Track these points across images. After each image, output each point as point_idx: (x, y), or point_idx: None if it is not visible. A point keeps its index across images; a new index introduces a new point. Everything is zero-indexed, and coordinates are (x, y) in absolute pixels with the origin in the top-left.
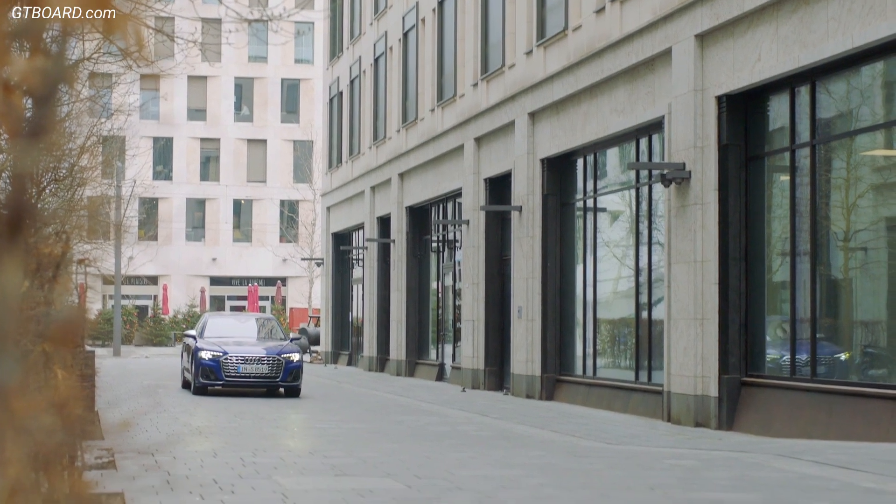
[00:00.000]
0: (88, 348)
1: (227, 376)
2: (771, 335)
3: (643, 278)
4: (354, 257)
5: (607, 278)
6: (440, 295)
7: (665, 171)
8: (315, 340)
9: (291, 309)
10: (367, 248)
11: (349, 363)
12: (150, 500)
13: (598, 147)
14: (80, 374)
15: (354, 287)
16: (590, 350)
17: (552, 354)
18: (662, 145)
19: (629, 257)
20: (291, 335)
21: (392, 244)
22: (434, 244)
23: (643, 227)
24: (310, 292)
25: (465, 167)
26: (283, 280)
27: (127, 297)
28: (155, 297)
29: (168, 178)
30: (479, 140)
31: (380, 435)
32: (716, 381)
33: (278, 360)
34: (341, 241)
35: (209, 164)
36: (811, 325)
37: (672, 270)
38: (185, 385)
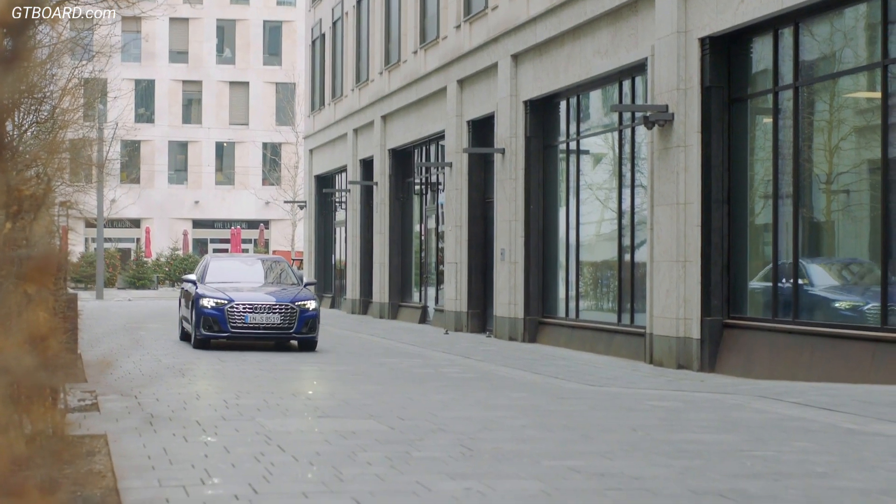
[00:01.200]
0: (71, 291)
1: (232, 328)
2: (753, 277)
3: (626, 221)
4: (337, 200)
5: (590, 221)
6: (423, 237)
7: (648, 114)
8: None
9: (274, 251)
10: (349, 190)
11: (332, 306)
12: (132, 441)
13: (581, 89)
14: (62, 315)
15: (337, 230)
16: (572, 292)
17: (535, 297)
18: (645, 87)
19: (612, 200)
20: (306, 279)
21: (375, 187)
22: (417, 187)
23: (626, 169)
24: (293, 235)
25: (447, 109)
26: (266, 223)
27: (109, 239)
28: (138, 239)
29: (150, 120)
30: (461, 82)
31: (363, 377)
32: (698, 323)
33: (291, 308)
34: (324, 183)
35: (191, 107)
36: (793, 266)
37: (655, 213)
38: (185, 337)
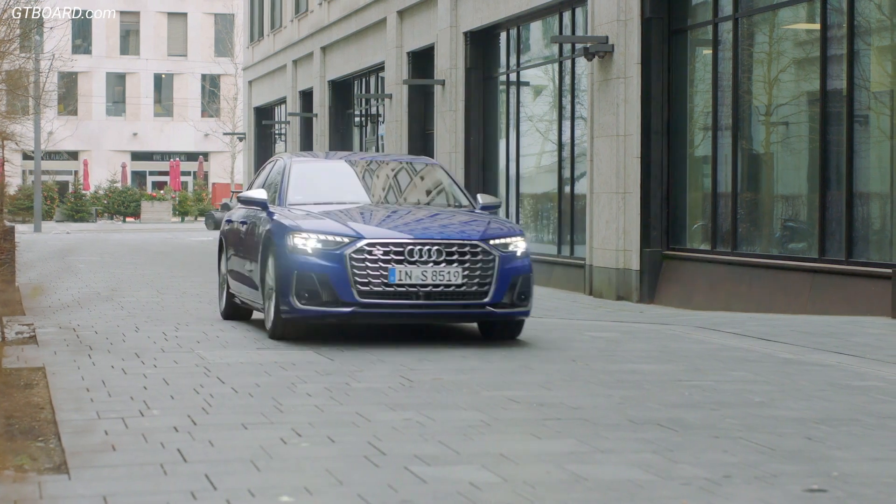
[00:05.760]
0: (8, 223)
1: (362, 295)
2: (692, 209)
3: (566, 153)
4: (277, 132)
5: (530, 153)
6: None
7: (588, 45)
8: None
9: (214, 184)
10: (289, 122)
11: None
12: (70, 374)
13: (521, 20)
14: None
15: None
16: None
17: None
18: (586, 19)
19: (552, 132)
20: (482, 200)
21: (315, 118)
22: (357, 118)
23: (566, 101)
24: (232, 167)
25: (387, 41)
26: (206, 155)
27: (47, 172)
28: (76, 172)
29: (87, 52)
30: (401, 13)
31: None
32: (637, 255)
33: (483, 251)
34: (263, 115)
35: (129, 38)
36: (732, 198)
37: (595, 145)
38: (238, 312)
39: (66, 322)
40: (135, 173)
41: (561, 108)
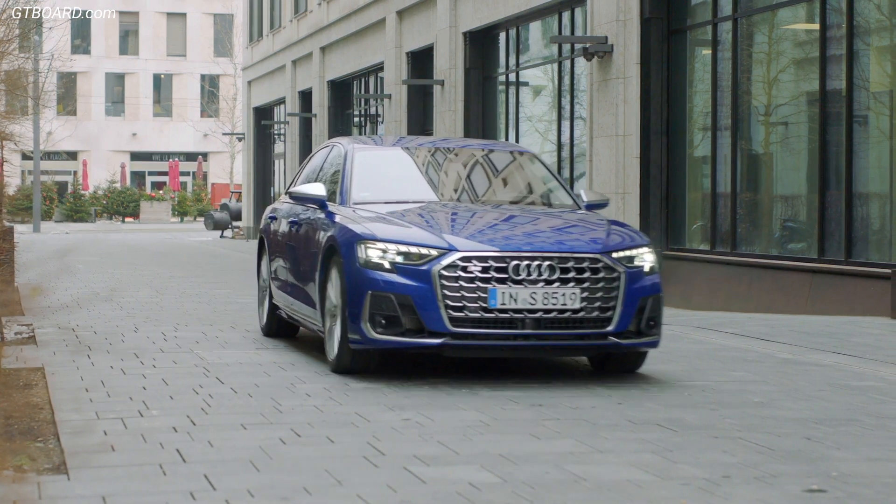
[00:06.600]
0: (7, 223)
1: (455, 322)
2: (692, 209)
3: (565, 153)
4: (276, 132)
5: None
6: None
7: (587, 45)
8: (237, 216)
9: (213, 184)
10: (288, 122)
11: None
12: (69, 374)
13: (520, 21)
14: None
15: (276, 162)
16: None
17: None
18: (585, 19)
19: (551, 132)
20: (586, 197)
21: (314, 119)
22: (356, 119)
23: (565, 101)
24: (231, 168)
25: (386, 41)
26: (205, 155)
27: (46, 172)
28: (75, 172)
29: (87, 52)
30: (401, 13)
31: None
32: None
33: (605, 267)
34: (263, 115)
35: (128, 38)
36: (731, 199)
37: (594, 145)
38: (284, 327)
39: (66, 322)
40: (134, 173)
41: (560, 108)
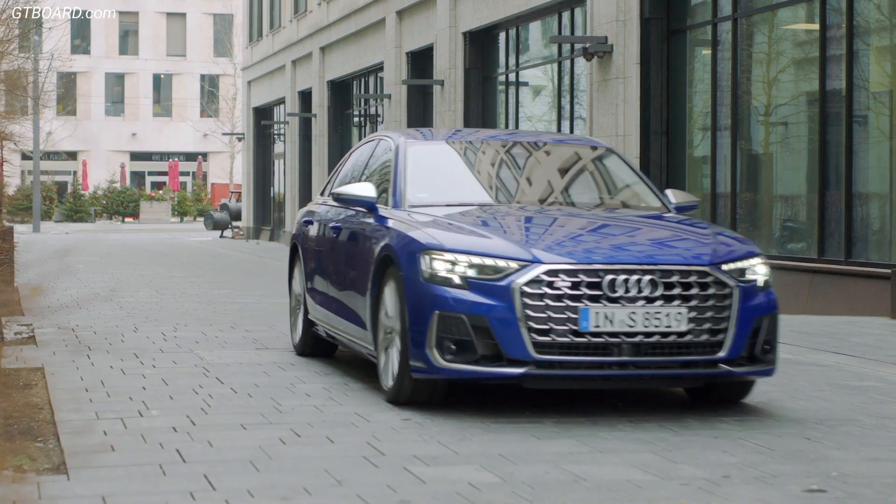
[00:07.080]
0: (7, 223)
1: (540, 346)
2: None
3: None
4: (276, 132)
5: None
6: None
7: (587, 45)
8: (237, 216)
9: (213, 184)
10: (288, 122)
11: (271, 238)
12: (69, 374)
13: (520, 21)
14: None
15: (276, 162)
16: None
17: None
18: (585, 19)
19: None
20: (674, 198)
21: (313, 119)
22: (356, 119)
23: (565, 101)
24: (231, 168)
25: (386, 41)
26: (205, 155)
27: (46, 172)
28: (74, 172)
29: (86, 52)
30: (400, 13)
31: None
32: None
33: (712, 283)
34: (262, 115)
35: (128, 38)
36: (731, 199)
37: None
38: (321, 346)
39: (65, 322)
40: (134, 173)
41: (560, 108)
